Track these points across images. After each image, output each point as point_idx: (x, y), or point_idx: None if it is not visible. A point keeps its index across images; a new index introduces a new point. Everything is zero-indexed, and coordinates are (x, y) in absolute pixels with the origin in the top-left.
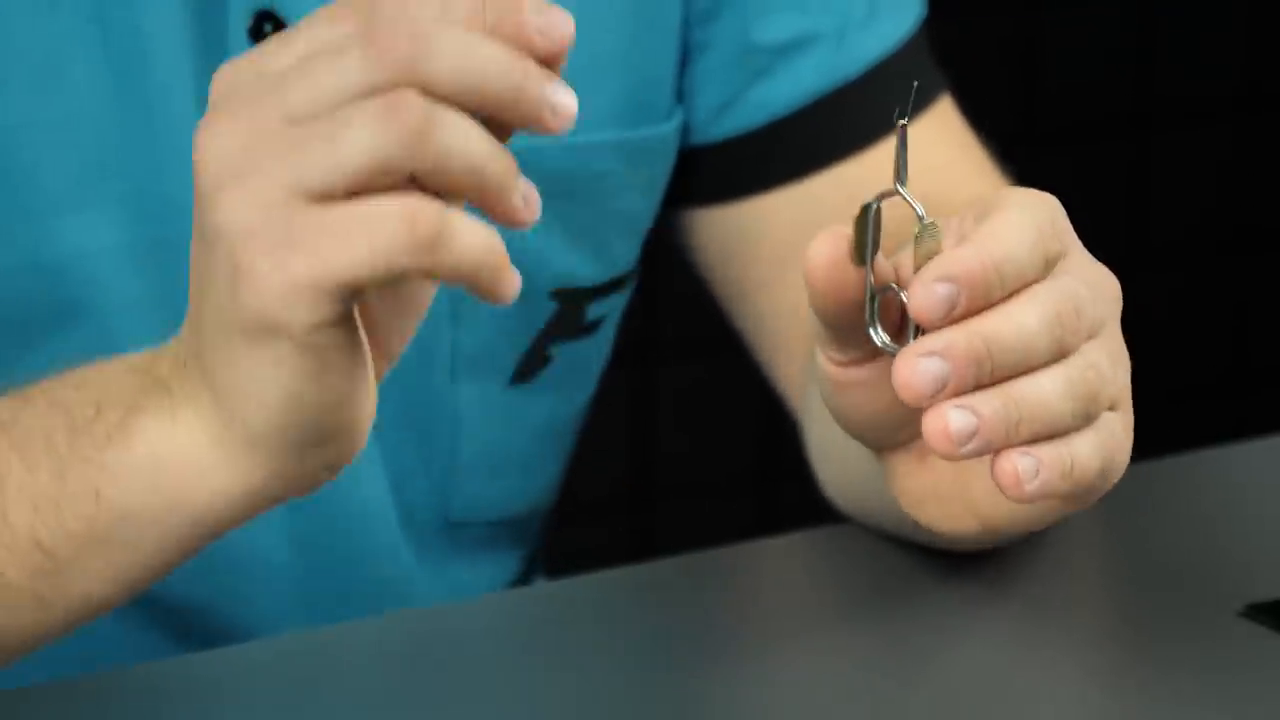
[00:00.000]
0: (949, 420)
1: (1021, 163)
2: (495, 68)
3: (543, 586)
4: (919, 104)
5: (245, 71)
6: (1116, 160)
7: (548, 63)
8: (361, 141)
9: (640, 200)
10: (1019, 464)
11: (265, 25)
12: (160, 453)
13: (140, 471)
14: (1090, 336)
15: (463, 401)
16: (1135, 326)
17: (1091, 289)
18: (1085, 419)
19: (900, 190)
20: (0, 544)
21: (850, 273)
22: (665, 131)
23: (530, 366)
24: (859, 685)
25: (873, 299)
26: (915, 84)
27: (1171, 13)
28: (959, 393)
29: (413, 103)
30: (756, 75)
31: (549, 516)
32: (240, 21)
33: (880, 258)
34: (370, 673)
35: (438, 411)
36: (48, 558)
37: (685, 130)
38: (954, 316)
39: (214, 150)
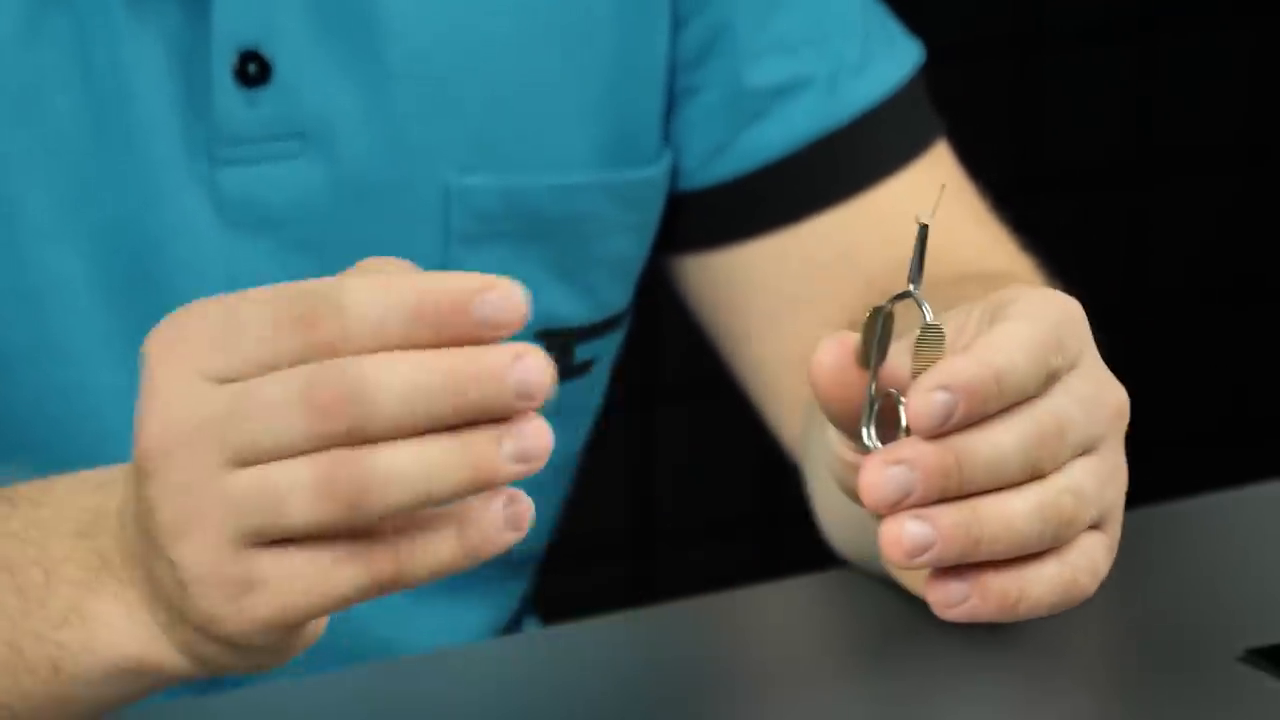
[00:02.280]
0: (904, 530)
1: (1021, 209)
2: (444, 395)
3: (540, 632)
4: (914, 150)
5: (180, 360)
6: (1117, 208)
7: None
8: (302, 512)
9: (629, 242)
10: (950, 585)
11: (250, 65)
12: (119, 640)
13: (97, 654)
14: (1080, 455)
15: None
16: (1134, 374)
17: (1086, 406)
18: (1054, 542)
19: (914, 292)
20: None
21: (855, 376)
22: (652, 174)
23: None
24: None
25: (871, 404)
26: (944, 185)
27: (1173, 61)
28: (923, 503)
29: (350, 473)
30: (747, 120)
31: (543, 558)
32: (224, 61)
33: (888, 363)
34: None
35: None
36: (4, 709)
37: (675, 175)
38: (950, 426)
39: (164, 484)
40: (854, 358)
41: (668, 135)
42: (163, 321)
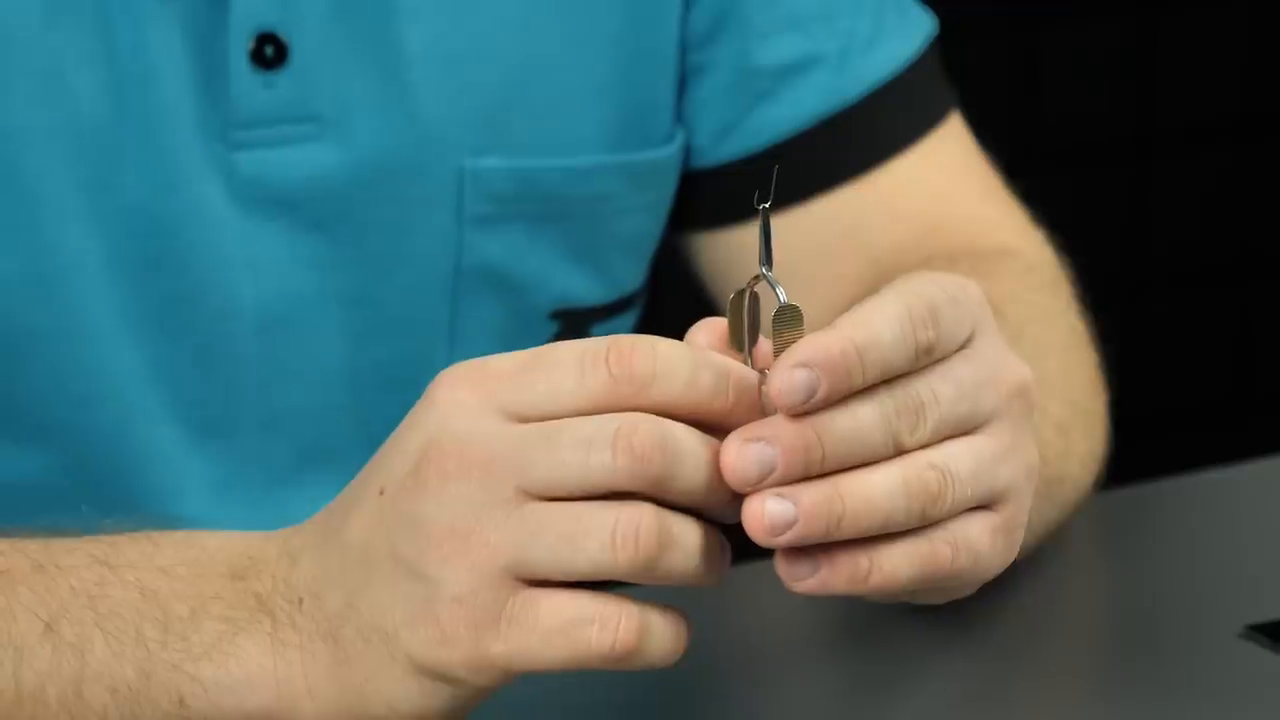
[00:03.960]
0: (766, 508)
1: (1022, 184)
2: (727, 489)
3: None
4: (925, 124)
5: (478, 392)
6: (1117, 183)
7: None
8: (592, 557)
9: (643, 222)
10: (798, 558)
11: (266, 48)
12: (255, 680)
13: (232, 692)
14: (957, 434)
15: None
16: (1135, 349)
17: (961, 383)
18: (921, 520)
19: (764, 274)
20: (66, 712)
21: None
22: (665, 154)
23: None
24: (845, 705)
25: None
26: (776, 168)
27: (1172, 36)
28: (785, 481)
29: (649, 530)
30: (757, 98)
31: None
32: (241, 43)
33: (762, 341)
34: None
35: None
36: None
37: (687, 153)
38: (814, 404)
39: (446, 498)
40: (724, 337)
41: (680, 115)
42: (463, 363)
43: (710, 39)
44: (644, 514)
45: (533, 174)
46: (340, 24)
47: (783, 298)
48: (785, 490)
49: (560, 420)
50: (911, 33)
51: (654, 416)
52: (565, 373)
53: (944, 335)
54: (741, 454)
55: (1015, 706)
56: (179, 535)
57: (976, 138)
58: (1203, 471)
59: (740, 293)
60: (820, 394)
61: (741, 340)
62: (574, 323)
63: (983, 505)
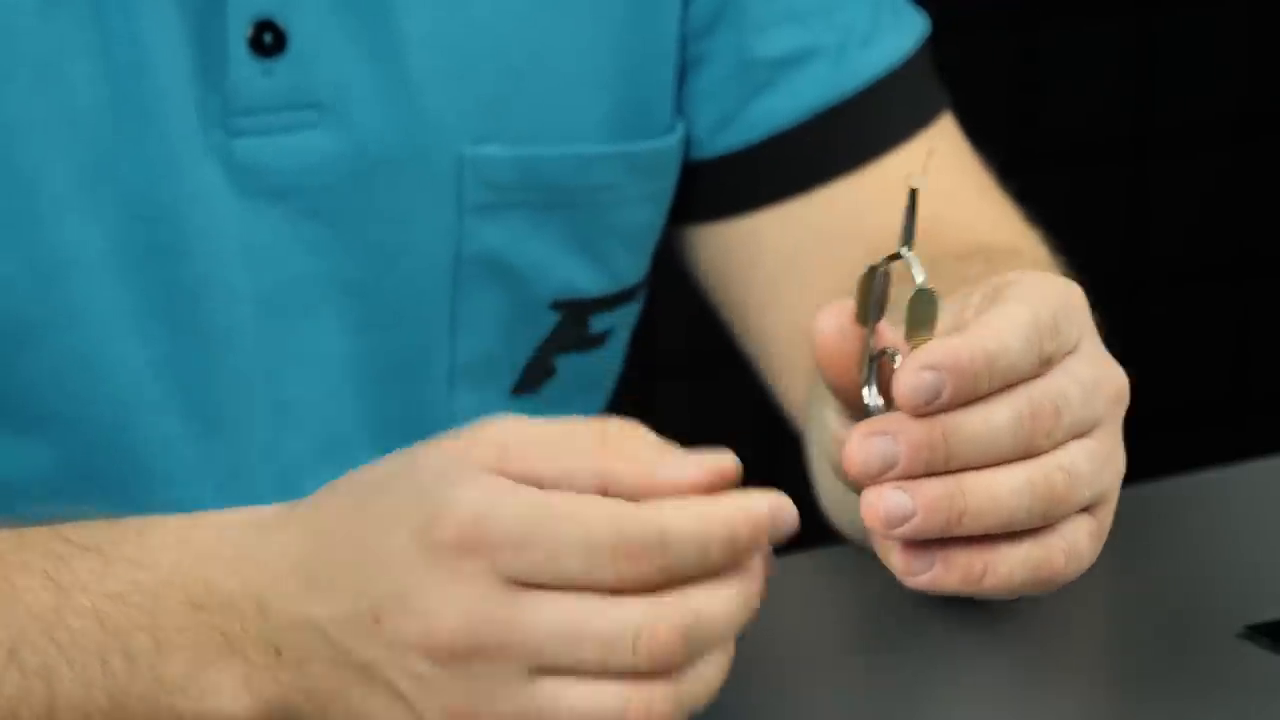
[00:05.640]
0: (884, 499)
1: (1020, 184)
2: (747, 604)
3: None
4: (920, 121)
5: (479, 561)
6: (1115, 182)
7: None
8: None
9: (645, 212)
10: (915, 552)
11: (265, 35)
12: (237, 709)
13: (216, 713)
14: (1076, 436)
15: (461, 411)
16: (1132, 349)
17: (1085, 387)
18: (1044, 520)
19: (905, 253)
20: None
21: (855, 342)
22: (667, 145)
23: (534, 377)
24: (862, 704)
25: (871, 361)
26: (931, 150)
27: (1171, 36)
28: (907, 476)
29: (663, 708)
30: (755, 90)
31: None
32: (240, 31)
33: (884, 322)
34: None
35: (434, 420)
36: None
37: (686, 144)
38: (938, 405)
39: (457, 675)
40: (852, 318)
41: (680, 105)
42: (457, 506)
43: (709, 30)
44: (655, 694)
45: (533, 162)
46: (339, 11)
47: (921, 279)
48: (907, 484)
49: (576, 608)
50: (906, 31)
51: (677, 602)
52: (572, 556)
53: (1062, 342)
54: (864, 446)
55: (1014, 707)
56: (129, 548)
57: (974, 136)
58: (1201, 471)
59: (872, 269)
60: (944, 398)
61: (866, 315)
62: (575, 313)
63: (1085, 508)
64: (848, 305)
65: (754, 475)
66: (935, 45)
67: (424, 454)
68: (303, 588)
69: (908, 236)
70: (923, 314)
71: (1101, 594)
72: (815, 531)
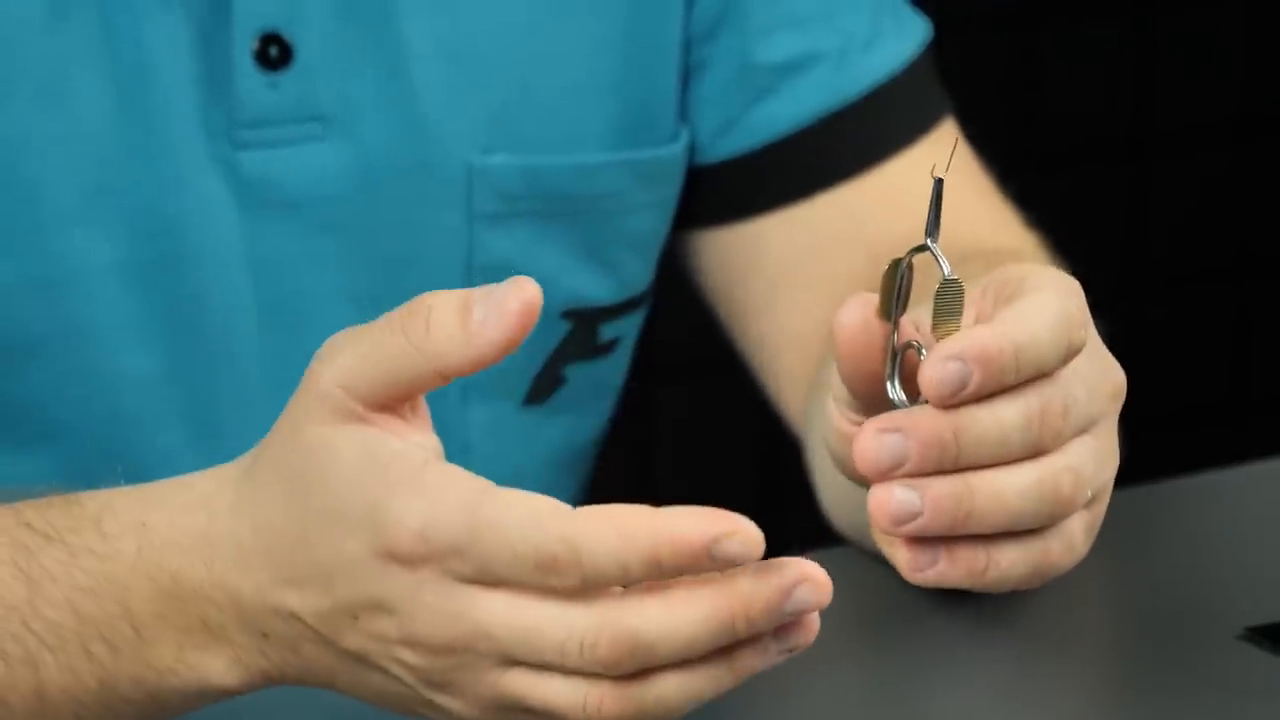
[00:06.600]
0: (892, 496)
1: (1020, 185)
2: (722, 639)
3: None
4: (922, 126)
5: (433, 569)
6: (1115, 183)
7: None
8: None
9: (651, 220)
10: (920, 548)
11: (271, 48)
12: (223, 685)
13: (204, 697)
14: (1080, 433)
15: (473, 423)
16: (1132, 350)
17: (1089, 385)
18: (1049, 521)
19: (930, 245)
20: (38, 716)
21: (877, 337)
22: (671, 152)
23: (544, 388)
24: (861, 706)
25: (895, 355)
26: (956, 140)
27: (1171, 36)
28: (917, 473)
29: (625, 700)
30: (757, 95)
31: None
32: (245, 44)
33: (906, 317)
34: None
35: (447, 433)
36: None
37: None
38: (965, 396)
39: (428, 662)
40: (875, 312)
41: (684, 112)
42: (405, 518)
43: (711, 35)
44: (606, 694)
45: (540, 171)
46: (344, 23)
47: (947, 270)
48: (915, 481)
49: (531, 620)
50: (908, 36)
51: (620, 616)
52: (505, 565)
53: (1085, 336)
54: (876, 443)
55: (1014, 708)
56: (88, 536)
57: (973, 137)
58: (1201, 473)
59: (896, 263)
60: (971, 388)
61: (889, 310)
62: (584, 322)
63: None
64: (870, 299)
65: (754, 477)
66: (934, 46)
67: (336, 440)
68: (272, 581)
69: (932, 227)
70: (950, 304)
71: (1102, 596)
72: (815, 532)
